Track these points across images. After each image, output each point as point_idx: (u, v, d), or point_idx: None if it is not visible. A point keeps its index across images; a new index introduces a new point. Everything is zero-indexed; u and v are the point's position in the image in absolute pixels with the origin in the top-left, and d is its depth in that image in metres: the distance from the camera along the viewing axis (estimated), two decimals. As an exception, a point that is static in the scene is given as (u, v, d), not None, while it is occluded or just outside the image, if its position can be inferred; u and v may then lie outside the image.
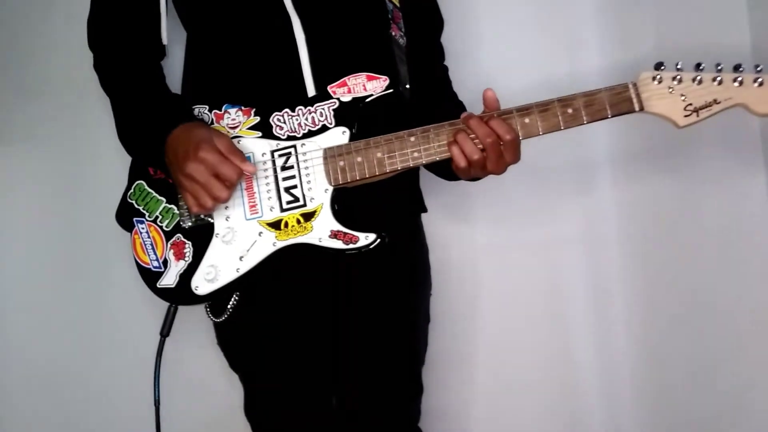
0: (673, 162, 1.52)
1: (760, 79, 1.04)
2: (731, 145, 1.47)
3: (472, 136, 1.07)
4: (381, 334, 1.23)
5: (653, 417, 1.59)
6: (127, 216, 1.20)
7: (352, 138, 1.14)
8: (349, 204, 1.14)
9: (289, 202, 1.13)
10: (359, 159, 1.12)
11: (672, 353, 1.56)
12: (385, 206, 1.20)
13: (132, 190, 1.20)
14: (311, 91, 1.17)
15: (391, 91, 1.15)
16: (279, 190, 1.14)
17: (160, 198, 1.19)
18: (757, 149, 1.47)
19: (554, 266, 1.64)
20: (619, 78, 1.39)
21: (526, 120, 1.09)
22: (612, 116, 1.08)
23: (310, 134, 1.15)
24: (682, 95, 1.06)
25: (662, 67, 1.08)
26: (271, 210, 1.14)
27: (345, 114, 1.14)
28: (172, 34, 1.25)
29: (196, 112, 1.18)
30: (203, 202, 1.07)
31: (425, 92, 1.28)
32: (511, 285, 1.65)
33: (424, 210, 1.35)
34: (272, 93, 1.17)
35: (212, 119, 1.17)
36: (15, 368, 1.74)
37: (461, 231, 1.67)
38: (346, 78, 1.15)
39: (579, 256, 1.64)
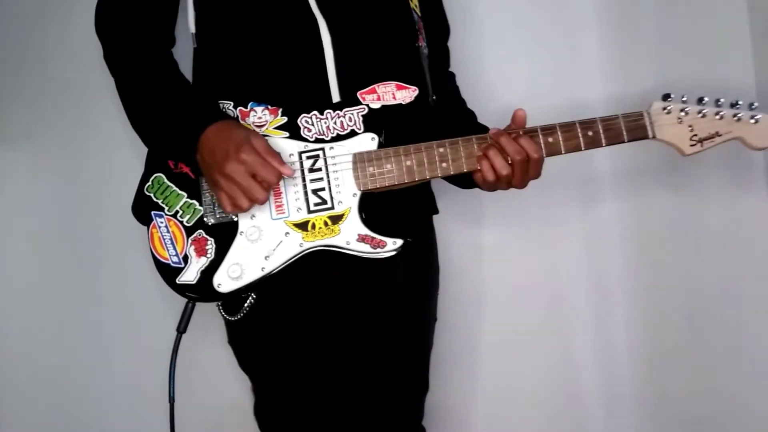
0: (675, 167, 1.53)
1: (757, 117, 1.16)
2: (733, 151, 1.46)
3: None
4: (392, 334, 1.23)
5: (653, 416, 1.65)
6: (144, 209, 1.17)
7: (380, 145, 1.16)
8: (371, 208, 1.17)
9: (316, 204, 1.15)
10: (389, 166, 1.15)
11: (672, 354, 1.62)
12: (403, 209, 1.23)
13: (150, 183, 1.18)
14: (335, 93, 1.18)
15: (419, 101, 1.18)
16: (306, 191, 1.15)
17: (180, 192, 1.17)
18: (758, 155, 1.50)
19: (558, 269, 1.70)
20: (620, 92, 1.46)
21: (550, 139, 1.15)
22: (628, 141, 1.16)
23: (339, 138, 1.17)
24: (690, 126, 1.16)
25: (670, 98, 1.18)
26: (298, 211, 1.15)
27: (374, 121, 1.16)
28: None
29: (220, 107, 1.17)
30: (240, 203, 1.07)
31: (442, 99, 1.32)
32: (515, 286, 1.70)
33: (436, 212, 1.39)
34: (296, 93, 1.18)
35: (237, 116, 1.17)
36: (28, 366, 1.69)
37: (467, 232, 1.71)
38: (375, 85, 1.17)
39: (582, 259, 1.70)
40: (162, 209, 1.17)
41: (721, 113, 1.16)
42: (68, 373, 1.68)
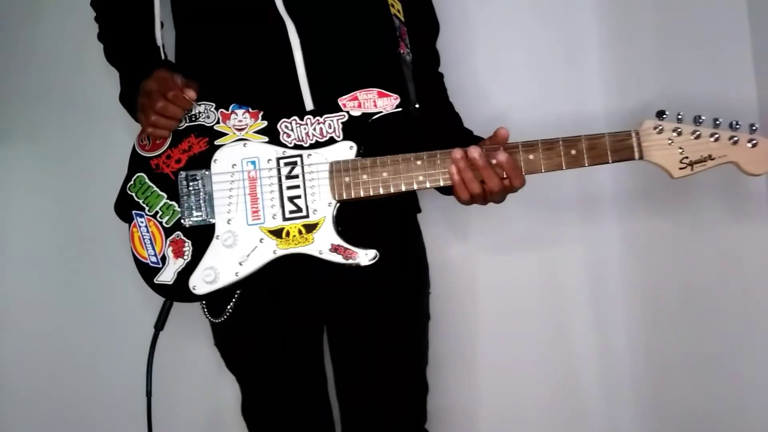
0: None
1: (754, 141, 1.09)
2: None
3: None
4: (379, 334, 1.25)
5: (653, 416, 1.64)
6: (125, 207, 1.19)
7: (358, 154, 1.15)
8: (347, 211, 1.16)
9: (292, 212, 1.15)
10: (365, 177, 1.14)
11: (672, 353, 1.61)
12: (382, 209, 1.22)
13: (132, 182, 1.20)
14: (307, 97, 1.18)
15: (400, 110, 1.16)
16: (282, 198, 1.15)
17: (161, 193, 1.19)
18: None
19: (557, 267, 1.69)
20: (616, 101, 1.40)
21: (531, 156, 1.12)
22: (612, 162, 1.11)
23: (317, 145, 1.16)
24: (680, 148, 1.11)
25: (664, 116, 1.12)
26: (273, 218, 1.15)
27: (353, 129, 1.15)
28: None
29: (202, 108, 1.18)
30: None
31: (427, 103, 1.28)
32: (512, 283, 1.69)
33: (419, 210, 1.37)
34: (271, 97, 1.18)
35: (218, 118, 1.18)
36: (29, 365, 1.78)
37: (462, 229, 1.70)
38: (357, 92, 1.15)
39: (579, 255, 1.68)
40: (143, 209, 1.19)
41: (716, 135, 1.10)
42: (54, 369, 1.76)
